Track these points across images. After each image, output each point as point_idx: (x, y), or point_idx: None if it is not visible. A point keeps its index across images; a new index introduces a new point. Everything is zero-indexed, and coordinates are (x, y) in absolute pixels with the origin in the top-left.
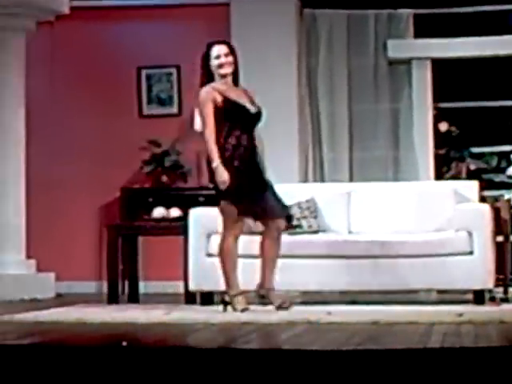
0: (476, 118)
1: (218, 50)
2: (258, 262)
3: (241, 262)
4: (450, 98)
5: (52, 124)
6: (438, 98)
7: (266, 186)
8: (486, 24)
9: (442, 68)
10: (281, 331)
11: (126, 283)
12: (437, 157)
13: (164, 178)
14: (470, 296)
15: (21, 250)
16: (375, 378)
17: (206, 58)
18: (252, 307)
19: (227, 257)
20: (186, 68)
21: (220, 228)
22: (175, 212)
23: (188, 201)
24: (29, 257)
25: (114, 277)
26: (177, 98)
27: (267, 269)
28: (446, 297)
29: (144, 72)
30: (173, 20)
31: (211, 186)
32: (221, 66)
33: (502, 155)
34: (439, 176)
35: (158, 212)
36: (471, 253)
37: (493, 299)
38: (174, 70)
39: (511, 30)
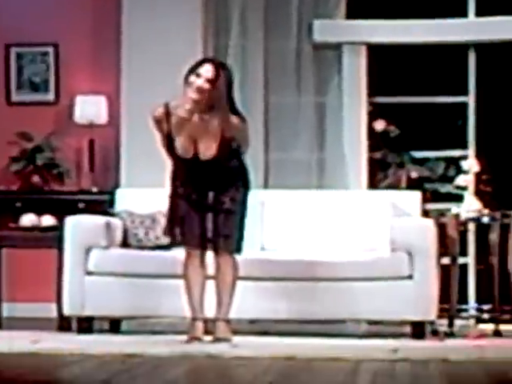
0: (419, 117)
1: (204, 69)
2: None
3: None
4: (388, 92)
5: None
6: (373, 91)
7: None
8: (433, 5)
9: (380, 55)
10: (174, 366)
11: None
12: (371, 161)
13: (35, 179)
14: (407, 329)
15: None
16: None
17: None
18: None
19: (184, 276)
20: (65, 46)
21: (101, 241)
22: (48, 220)
23: (64, 207)
24: None
25: None
26: (53, 82)
27: (217, 297)
28: (379, 329)
29: (14, 50)
30: None
31: None
32: (197, 88)
33: (450, 161)
34: (373, 184)
35: (28, 219)
36: (410, 277)
37: (435, 333)
38: (50, 49)
39: (464, 13)
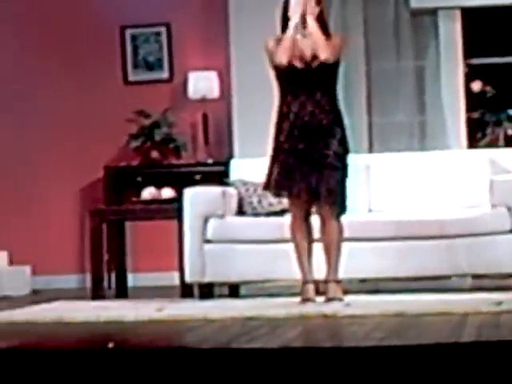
0: None
1: None
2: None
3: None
4: (483, 54)
5: (21, 93)
6: (469, 53)
7: (321, 161)
8: None
9: (474, 19)
10: (291, 327)
11: (113, 276)
12: (470, 121)
13: (154, 154)
14: (510, 282)
15: None
16: (400, 379)
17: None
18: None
19: (292, 241)
20: (177, 26)
21: (218, 210)
22: (167, 192)
23: (182, 179)
24: (0, 248)
25: (99, 269)
26: (167, 61)
27: (325, 258)
28: (483, 283)
29: (128, 32)
30: None
31: None
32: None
33: None
34: (473, 143)
35: (148, 193)
36: (511, 231)
37: None
38: (163, 29)
39: None
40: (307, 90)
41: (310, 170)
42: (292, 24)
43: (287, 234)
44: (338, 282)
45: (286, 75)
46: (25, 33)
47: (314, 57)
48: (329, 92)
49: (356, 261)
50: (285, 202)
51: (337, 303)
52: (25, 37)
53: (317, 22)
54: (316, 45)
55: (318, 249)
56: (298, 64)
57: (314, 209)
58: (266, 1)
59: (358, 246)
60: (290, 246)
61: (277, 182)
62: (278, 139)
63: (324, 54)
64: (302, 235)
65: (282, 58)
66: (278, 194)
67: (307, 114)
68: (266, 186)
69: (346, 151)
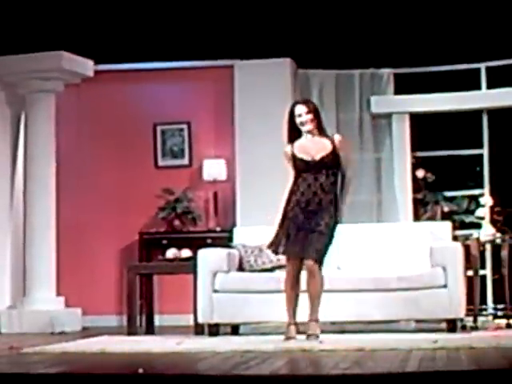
0: (449, 165)
1: (299, 109)
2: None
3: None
4: (426, 148)
5: (78, 175)
6: (415, 147)
7: (315, 229)
8: (458, 81)
9: (419, 121)
10: (278, 358)
11: (144, 317)
12: (415, 200)
13: (176, 223)
14: (444, 325)
15: (51, 288)
16: None
17: (291, 115)
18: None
19: (284, 291)
20: (195, 124)
21: (224, 267)
22: (186, 252)
23: (197, 242)
24: (58, 294)
25: (133, 311)
26: (188, 150)
27: (309, 302)
28: (423, 326)
29: (159, 128)
30: (184, 81)
31: None
32: (302, 124)
33: (472, 198)
34: (417, 217)
35: (171, 253)
36: (445, 286)
37: (464, 328)
38: (185, 126)
39: (479, 87)
40: (313, 175)
41: (305, 235)
42: (303, 135)
43: (276, 286)
44: (317, 321)
45: (298, 165)
46: (85, 130)
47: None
48: (330, 177)
49: (328, 307)
50: (275, 261)
51: (314, 339)
52: (85, 133)
53: (316, 129)
54: (318, 146)
55: (302, 299)
56: (306, 157)
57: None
58: (264, 106)
59: (329, 295)
60: (279, 296)
61: (279, 244)
62: (285, 209)
63: (322, 154)
64: (291, 289)
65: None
66: (277, 253)
67: (311, 193)
68: (270, 245)
69: (335, 223)
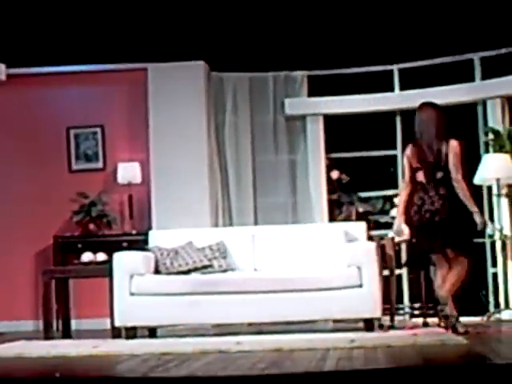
0: (363, 166)
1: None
2: None
3: None
4: (340, 149)
5: None
6: (329, 149)
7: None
8: (371, 82)
9: (333, 123)
10: (195, 360)
11: (60, 321)
12: (330, 201)
13: (91, 226)
14: (361, 324)
15: None
16: None
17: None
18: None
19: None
20: (109, 127)
21: (140, 270)
22: (101, 256)
23: (113, 246)
24: None
25: (49, 316)
26: (102, 154)
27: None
28: (341, 326)
29: (72, 131)
30: (97, 84)
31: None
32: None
33: (386, 198)
34: (332, 218)
35: (87, 256)
36: (361, 286)
37: (381, 326)
38: (98, 130)
39: (392, 88)
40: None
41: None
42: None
43: (192, 289)
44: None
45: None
46: None
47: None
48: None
49: (244, 309)
50: (191, 263)
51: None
52: None
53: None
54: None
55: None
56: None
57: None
58: (178, 109)
59: (245, 297)
60: (195, 298)
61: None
62: (411, 219)
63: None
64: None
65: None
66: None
67: (430, 203)
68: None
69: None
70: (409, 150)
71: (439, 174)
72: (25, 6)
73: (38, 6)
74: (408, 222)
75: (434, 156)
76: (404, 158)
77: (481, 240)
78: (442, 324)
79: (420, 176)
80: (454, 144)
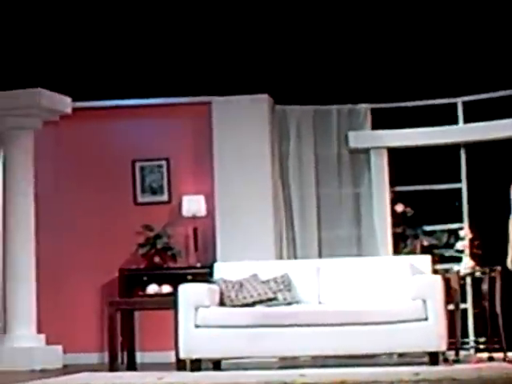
0: (428, 200)
1: None
2: None
3: None
4: (404, 182)
5: (58, 213)
6: (394, 182)
7: None
8: (435, 115)
9: (397, 156)
10: None
11: (125, 353)
12: (394, 235)
13: (156, 259)
14: (426, 358)
15: (32, 325)
16: None
17: None
18: None
19: None
20: (174, 160)
21: (205, 302)
22: (166, 288)
23: (178, 278)
24: (39, 331)
25: (114, 348)
26: (167, 187)
27: None
28: (405, 359)
29: (138, 164)
30: (162, 118)
31: None
32: None
33: (451, 232)
34: (397, 251)
35: (152, 289)
36: (426, 319)
37: (446, 360)
38: (164, 163)
39: (456, 121)
40: None
41: None
42: None
43: (257, 321)
44: None
45: None
46: (63, 166)
47: None
48: None
49: (309, 342)
50: (255, 295)
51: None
52: (63, 169)
53: None
54: None
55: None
56: None
57: None
58: (242, 142)
59: (310, 330)
60: (260, 330)
61: None
62: None
63: None
64: None
65: None
66: None
67: None
68: None
69: None
70: None
71: None
72: (90, 40)
73: (104, 41)
74: None
75: None
76: None
77: None
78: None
79: None
80: None
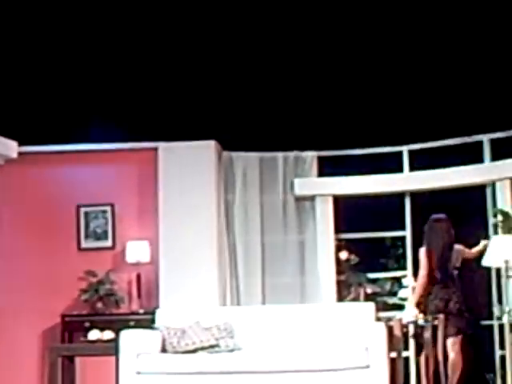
0: (372, 247)
1: None
2: None
3: None
4: (349, 230)
5: (0, 255)
6: (338, 229)
7: None
8: (379, 164)
9: (342, 203)
10: None
11: None
12: (338, 282)
13: (99, 305)
14: None
15: None
16: None
17: None
18: None
19: None
20: (119, 206)
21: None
22: (109, 334)
23: (120, 324)
24: None
25: None
26: (111, 232)
27: None
28: None
29: (82, 210)
30: (107, 163)
31: None
32: None
33: (395, 280)
34: (340, 299)
35: (94, 335)
36: (368, 366)
37: None
38: (108, 208)
39: (401, 169)
40: None
41: None
42: None
43: (199, 368)
44: None
45: None
46: (7, 211)
47: None
48: None
49: None
50: (198, 342)
51: None
52: (7, 214)
53: None
54: None
55: None
56: None
57: None
58: (188, 188)
59: (252, 377)
60: (201, 378)
61: None
62: None
63: None
64: None
65: None
66: None
67: None
68: None
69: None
70: None
71: None
72: (38, 84)
73: (51, 85)
74: None
75: None
76: None
77: (489, 322)
78: None
79: None
80: None
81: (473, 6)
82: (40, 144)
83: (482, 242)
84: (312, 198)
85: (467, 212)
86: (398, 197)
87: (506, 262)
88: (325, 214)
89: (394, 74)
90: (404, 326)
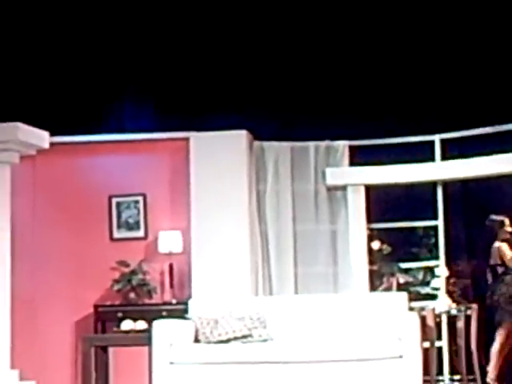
0: (404, 237)
1: None
2: None
3: None
4: (381, 220)
5: (33, 248)
6: (370, 219)
7: None
8: (410, 153)
9: (374, 193)
10: None
11: None
12: (370, 272)
13: (132, 295)
14: None
15: (5, 361)
16: None
17: None
18: None
19: None
20: (151, 196)
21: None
22: (141, 325)
23: (153, 315)
24: (12, 367)
25: None
26: (143, 222)
27: None
28: None
29: (114, 200)
30: (139, 153)
31: None
32: None
33: (427, 269)
34: (373, 289)
35: (126, 325)
36: (401, 357)
37: None
38: (140, 198)
39: (433, 158)
40: None
41: None
42: None
43: (232, 358)
44: None
45: None
46: (40, 201)
47: None
48: None
49: (283, 378)
50: (230, 332)
51: None
52: (40, 204)
53: None
54: None
55: None
56: None
57: None
58: (219, 178)
59: (284, 367)
60: (235, 367)
61: None
62: None
63: None
64: None
65: None
66: None
67: None
68: None
69: None
70: None
71: None
72: (70, 76)
73: (83, 77)
74: None
75: None
76: None
77: None
78: None
79: None
80: None
81: None
82: (72, 134)
83: None
84: (344, 188)
85: (499, 202)
86: (430, 186)
87: None
88: (357, 204)
89: (426, 63)
90: (437, 316)
